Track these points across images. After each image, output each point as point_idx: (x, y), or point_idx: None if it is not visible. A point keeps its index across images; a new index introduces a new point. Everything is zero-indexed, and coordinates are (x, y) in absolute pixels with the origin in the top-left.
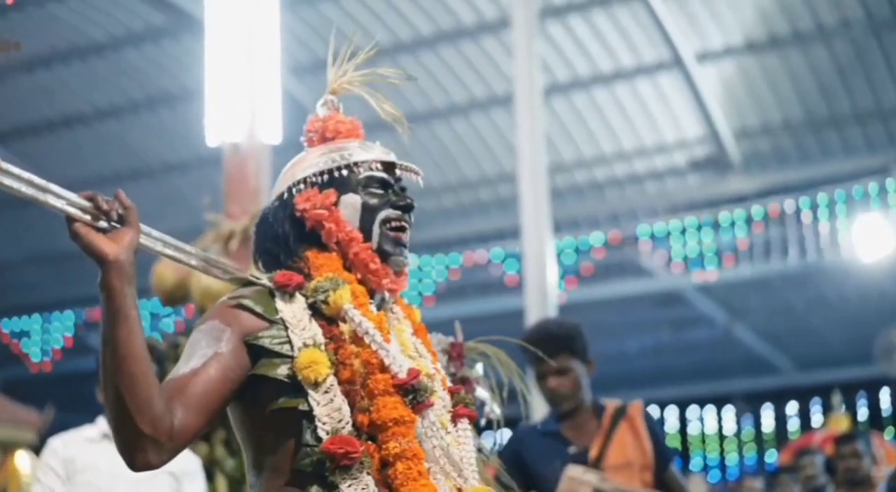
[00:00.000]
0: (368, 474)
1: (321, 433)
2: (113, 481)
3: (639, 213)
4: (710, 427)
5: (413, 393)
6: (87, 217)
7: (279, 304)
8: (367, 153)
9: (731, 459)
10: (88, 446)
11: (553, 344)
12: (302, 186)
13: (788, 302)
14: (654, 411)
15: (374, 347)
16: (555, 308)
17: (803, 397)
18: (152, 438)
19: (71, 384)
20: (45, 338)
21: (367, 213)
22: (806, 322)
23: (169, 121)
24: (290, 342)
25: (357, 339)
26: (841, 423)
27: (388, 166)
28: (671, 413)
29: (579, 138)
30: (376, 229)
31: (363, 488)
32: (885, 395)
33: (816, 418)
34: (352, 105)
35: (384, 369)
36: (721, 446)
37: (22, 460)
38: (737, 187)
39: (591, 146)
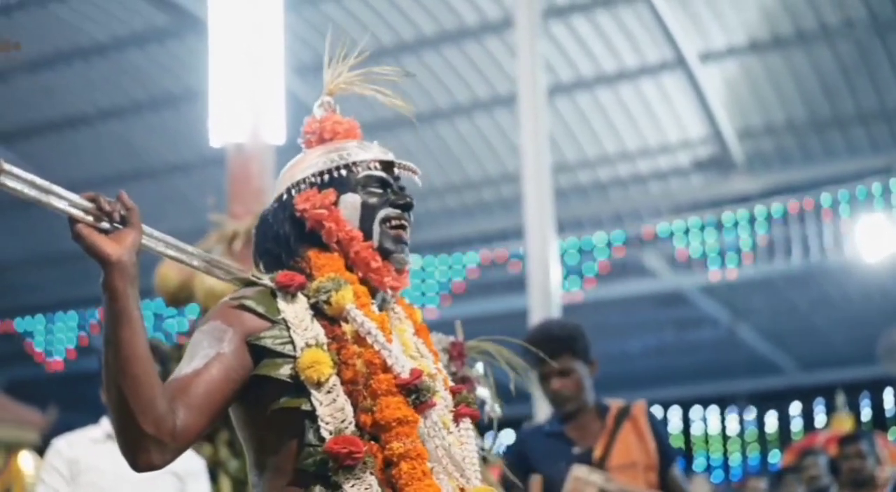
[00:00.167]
0: (372, 474)
1: (324, 433)
2: (117, 482)
3: (642, 213)
4: (714, 428)
5: (416, 393)
6: (90, 218)
7: (281, 304)
8: (366, 153)
9: (735, 459)
10: (92, 447)
11: (555, 345)
12: (301, 186)
13: (792, 302)
14: (657, 411)
15: (376, 347)
16: (558, 308)
17: (807, 397)
18: (155, 438)
19: (78, 384)
20: (48, 338)
21: (367, 212)
22: (809, 322)
23: (172, 121)
24: (292, 342)
25: (359, 339)
26: (844, 423)
27: (387, 165)
28: (674, 413)
29: (583, 138)
30: (376, 228)
31: (366, 488)
32: (888, 395)
33: (820, 419)
34: (353, 106)
35: (387, 369)
36: (724, 446)
37: (25, 460)
38: (740, 187)
39: (594, 146)
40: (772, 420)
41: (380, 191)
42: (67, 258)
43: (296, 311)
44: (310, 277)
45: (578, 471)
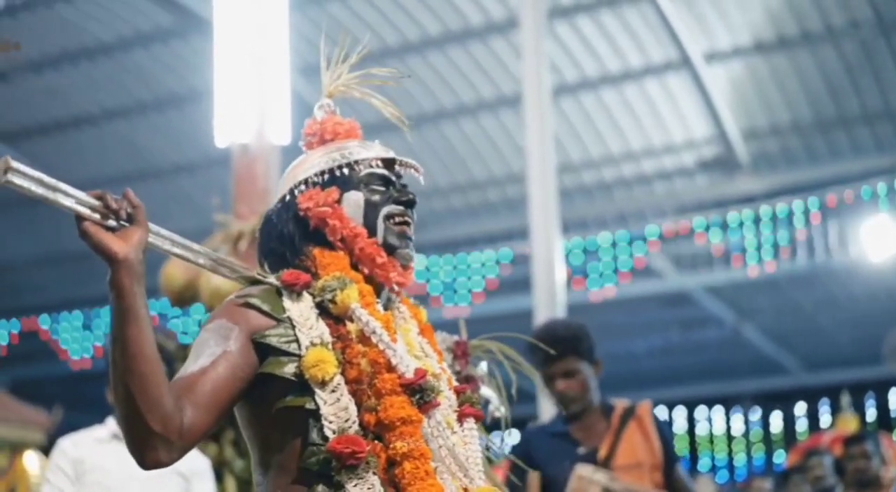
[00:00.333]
0: (374, 473)
1: (328, 432)
2: (123, 482)
3: (647, 213)
4: (719, 428)
5: (420, 393)
6: (97, 216)
7: (286, 302)
8: (367, 151)
9: (740, 459)
10: (98, 447)
11: (560, 346)
12: (304, 186)
13: (797, 302)
14: (662, 411)
15: (381, 346)
16: (563, 308)
17: (812, 397)
18: (162, 436)
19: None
20: (74, 336)
21: (371, 209)
22: (815, 323)
23: (177, 121)
24: (297, 341)
25: (364, 338)
26: (849, 423)
27: (389, 163)
28: (679, 414)
29: (587, 139)
30: (380, 224)
31: (369, 488)
32: (893, 395)
33: (825, 419)
34: (356, 106)
35: (391, 368)
36: (729, 446)
37: (31, 460)
38: (745, 188)
39: (599, 146)
40: (777, 420)
41: (382, 188)
42: (71, 258)
43: (301, 309)
44: (315, 275)
45: (582, 470)
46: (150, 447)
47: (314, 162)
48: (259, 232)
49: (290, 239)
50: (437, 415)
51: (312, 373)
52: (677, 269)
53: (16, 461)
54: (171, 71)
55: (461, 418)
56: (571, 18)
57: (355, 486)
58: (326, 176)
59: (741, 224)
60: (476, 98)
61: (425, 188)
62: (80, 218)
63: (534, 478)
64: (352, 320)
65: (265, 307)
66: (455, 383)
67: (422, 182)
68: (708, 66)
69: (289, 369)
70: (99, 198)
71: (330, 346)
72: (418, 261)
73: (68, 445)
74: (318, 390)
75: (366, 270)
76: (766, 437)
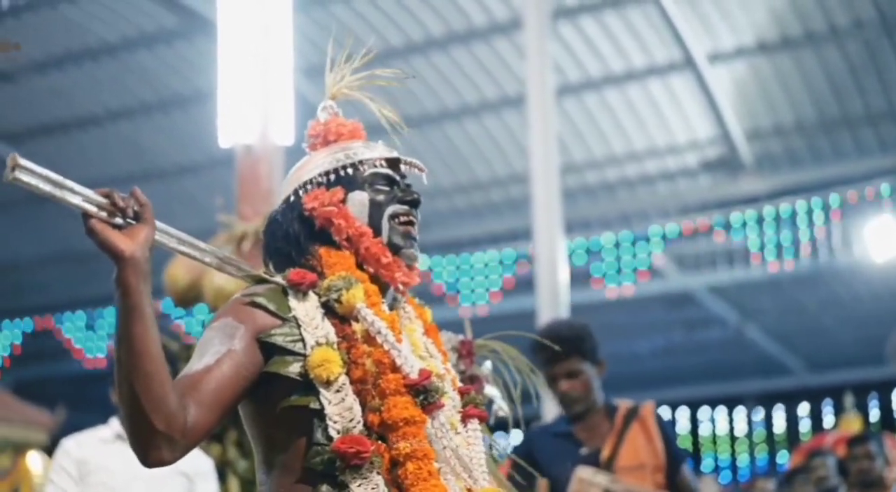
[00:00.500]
0: (378, 473)
1: (332, 432)
2: (126, 482)
3: (650, 213)
4: (722, 428)
5: (424, 394)
6: (104, 214)
7: (292, 302)
8: (371, 151)
9: (743, 460)
10: (101, 447)
11: (563, 346)
12: (308, 187)
13: (800, 303)
14: (665, 411)
15: (386, 346)
16: (566, 309)
17: (815, 397)
18: (166, 434)
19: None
20: (88, 335)
21: (375, 209)
22: (818, 323)
23: (181, 122)
24: (302, 340)
25: (369, 338)
26: (853, 424)
27: (393, 163)
28: (682, 414)
29: (591, 139)
30: (385, 224)
31: (373, 488)
32: None
33: (828, 419)
34: (359, 107)
35: (396, 368)
36: (732, 447)
37: (34, 460)
38: (749, 188)
39: (602, 147)
40: (780, 421)
41: (387, 188)
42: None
43: (307, 309)
44: (321, 275)
45: (583, 472)
46: (153, 446)
47: (318, 163)
48: (264, 232)
49: (295, 239)
50: (441, 416)
51: (317, 373)
52: (680, 269)
53: (19, 462)
54: (175, 72)
55: (465, 419)
56: (575, 19)
57: (359, 486)
58: (331, 176)
59: (744, 225)
60: (479, 98)
61: (428, 188)
62: (86, 216)
63: (542, 485)
64: (357, 320)
65: (271, 306)
66: (459, 384)
67: (425, 182)
68: (711, 67)
69: (294, 369)
70: (106, 196)
71: (335, 346)
72: (422, 261)
73: (72, 445)
74: (322, 390)
75: (371, 270)
76: (770, 437)
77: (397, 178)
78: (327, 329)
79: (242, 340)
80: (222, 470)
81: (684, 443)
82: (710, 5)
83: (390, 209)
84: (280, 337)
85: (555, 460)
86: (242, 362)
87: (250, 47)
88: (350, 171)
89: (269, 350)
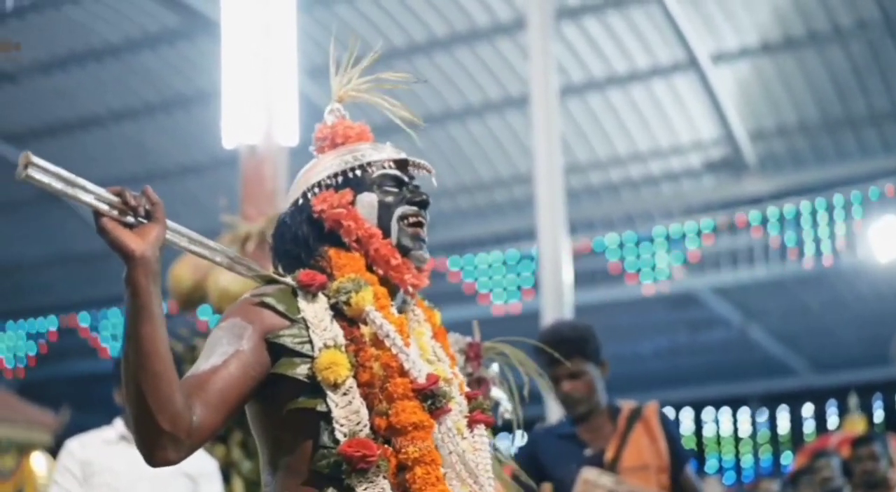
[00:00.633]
0: (385, 477)
1: (339, 435)
2: (130, 483)
3: (654, 214)
4: (726, 429)
5: (431, 399)
6: (115, 212)
7: (301, 303)
8: (380, 153)
9: (747, 461)
10: (105, 448)
11: (565, 348)
12: (317, 189)
13: (804, 303)
14: (669, 412)
15: (394, 350)
16: (570, 309)
17: (819, 398)
18: (171, 434)
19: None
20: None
21: (384, 210)
22: (822, 323)
23: (185, 123)
24: (310, 342)
25: (377, 341)
26: (857, 425)
27: (401, 165)
28: (686, 415)
29: (594, 140)
30: (394, 226)
31: None
32: None
33: (832, 420)
34: (363, 108)
35: (403, 372)
36: (736, 447)
37: (38, 461)
38: (752, 188)
39: (606, 147)
40: (784, 422)
41: (395, 189)
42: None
43: (316, 311)
44: (330, 276)
45: (588, 473)
46: (158, 446)
47: (327, 165)
48: (272, 235)
49: (304, 241)
50: (448, 421)
51: (325, 375)
52: (684, 270)
53: (23, 462)
54: (179, 72)
55: (472, 424)
56: (578, 19)
57: (365, 489)
58: (339, 178)
59: (748, 225)
60: (483, 99)
61: (431, 189)
62: (98, 214)
63: (546, 489)
64: (366, 323)
65: (280, 307)
66: (466, 388)
67: (434, 183)
68: (715, 67)
69: (301, 371)
70: (118, 194)
71: (343, 348)
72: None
73: (76, 446)
74: (329, 393)
75: (380, 272)
76: (774, 438)
77: (406, 179)
78: (336, 331)
79: (251, 341)
80: (227, 471)
81: (688, 444)
82: (713, 5)
83: (399, 211)
84: (288, 338)
85: (559, 461)
86: (250, 363)
87: (253, 48)
88: (358, 172)
89: (276, 351)
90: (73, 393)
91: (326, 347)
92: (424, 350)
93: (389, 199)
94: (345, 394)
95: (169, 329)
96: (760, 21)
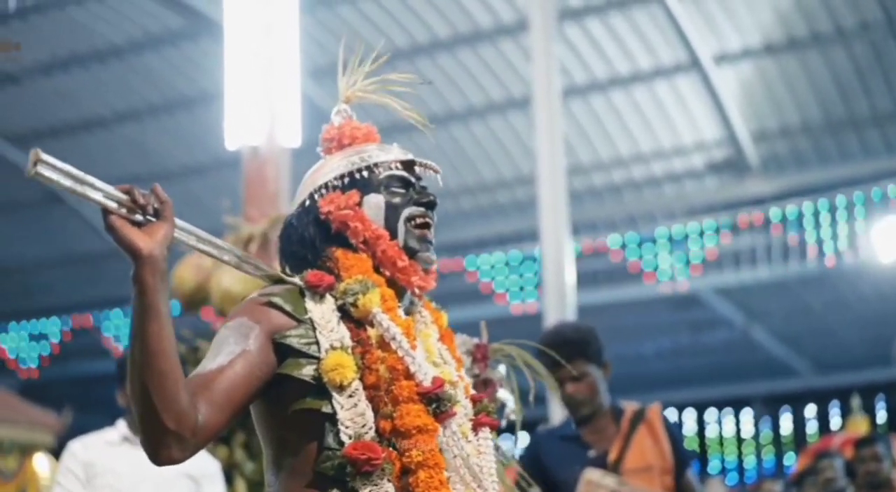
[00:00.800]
0: (389, 481)
1: (343, 437)
2: (133, 484)
3: (657, 215)
4: (728, 430)
5: (436, 402)
6: (123, 210)
7: (309, 304)
8: (386, 154)
9: (750, 462)
10: (108, 450)
11: (568, 349)
12: (324, 190)
13: (807, 304)
14: (671, 413)
15: (400, 353)
16: (573, 310)
17: (822, 399)
18: (176, 433)
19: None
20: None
21: (391, 211)
22: (824, 324)
23: (187, 124)
24: (317, 343)
25: (384, 344)
26: (860, 426)
27: (408, 165)
28: (689, 416)
29: (597, 141)
30: (401, 227)
31: None
32: None
33: (835, 421)
34: (367, 109)
35: (409, 375)
36: (739, 449)
37: (40, 462)
38: (755, 189)
39: (608, 148)
40: (787, 423)
41: (402, 190)
42: (81, 260)
43: (323, 311)
44: (338, 277)
45: (591, 474)
46: (163, 444)
47: (333, 166)
48: (279, 237)
49: (311, 242)
50: (453, 424)
51: (331, 377)
52: (687, 270)
53: (25, 463)
54: (182, 73)
55: (476, 428)
56: (581, 20)
57: None
58: (346, 179)
59: (751, 226)
60: (485, 100)
61: (436, 190)
62: (106, 212)
63: None
64: (372, 325)
65: (287, 307)
66: (472, 391)
67: (440, 183)
68: (717, 68)
69: (307, 372)
70: (127, 192)
71: (349, 350)
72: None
73: (78, 447)
74: (335, 395)
75: (387, 273)
76: (776, 439)
77: (413, 180)
78: (342, 333)
79: (257, 341)
80: (229, 472)
81: (691, 445)
82: (715, 6)
83: (406, 212)
84: (295, 339)
85: (562, 463)
86: (256, 363)
87: (256, 49)
88: (365, 174)
89: (283, 351)
90: (75, 394)
91: (333, 348)
92: (431, 353)
93: (397, 200)
94: (350, 396)
95: None
96: (763, 22)
